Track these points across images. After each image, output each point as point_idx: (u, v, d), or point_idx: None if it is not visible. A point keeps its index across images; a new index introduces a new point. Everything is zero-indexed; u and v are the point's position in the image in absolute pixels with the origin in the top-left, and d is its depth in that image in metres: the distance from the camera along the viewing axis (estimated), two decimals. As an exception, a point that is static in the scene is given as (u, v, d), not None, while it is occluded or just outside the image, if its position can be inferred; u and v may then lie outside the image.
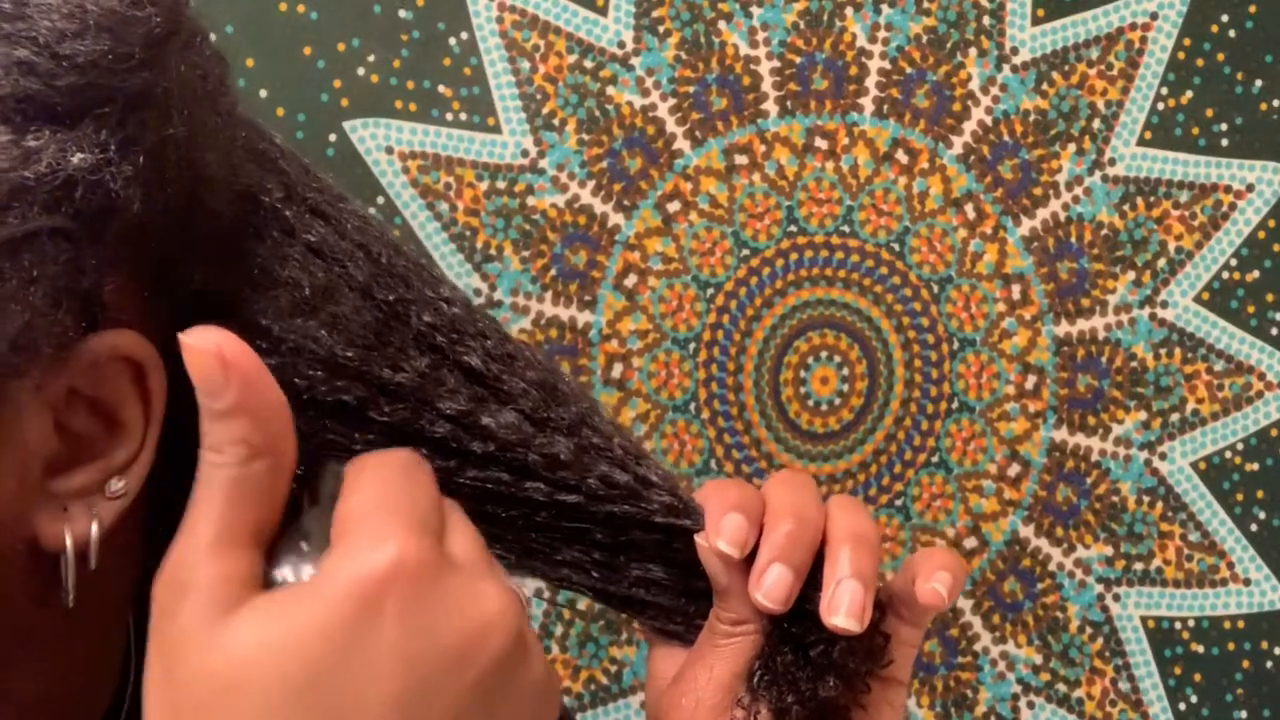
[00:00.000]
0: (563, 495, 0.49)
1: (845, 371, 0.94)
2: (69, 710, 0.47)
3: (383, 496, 0.38)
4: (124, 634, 0.50)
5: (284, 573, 0.38)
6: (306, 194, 0.49)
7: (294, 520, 0.39)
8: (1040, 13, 0.93)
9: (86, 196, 0.40)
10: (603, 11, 0.89)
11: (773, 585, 0.48)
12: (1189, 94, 0.95)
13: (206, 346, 0.37)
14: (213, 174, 0.44)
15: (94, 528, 0.42)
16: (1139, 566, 0.96)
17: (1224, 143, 0.95)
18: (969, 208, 0.94)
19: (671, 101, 0.91)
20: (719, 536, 0.48)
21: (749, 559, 0.49)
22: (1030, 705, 0.96)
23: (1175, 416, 0.96)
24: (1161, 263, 0.95)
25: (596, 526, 0.50)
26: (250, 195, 0.47)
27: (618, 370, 0.91)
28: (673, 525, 0.50)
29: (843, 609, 0.47)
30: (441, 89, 0.88)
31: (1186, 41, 0.94)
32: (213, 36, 0.47)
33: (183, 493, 0.46)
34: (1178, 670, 0.97)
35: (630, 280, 0.91)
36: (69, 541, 0.41)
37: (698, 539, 0.49)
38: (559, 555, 0.50)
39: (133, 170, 0.41)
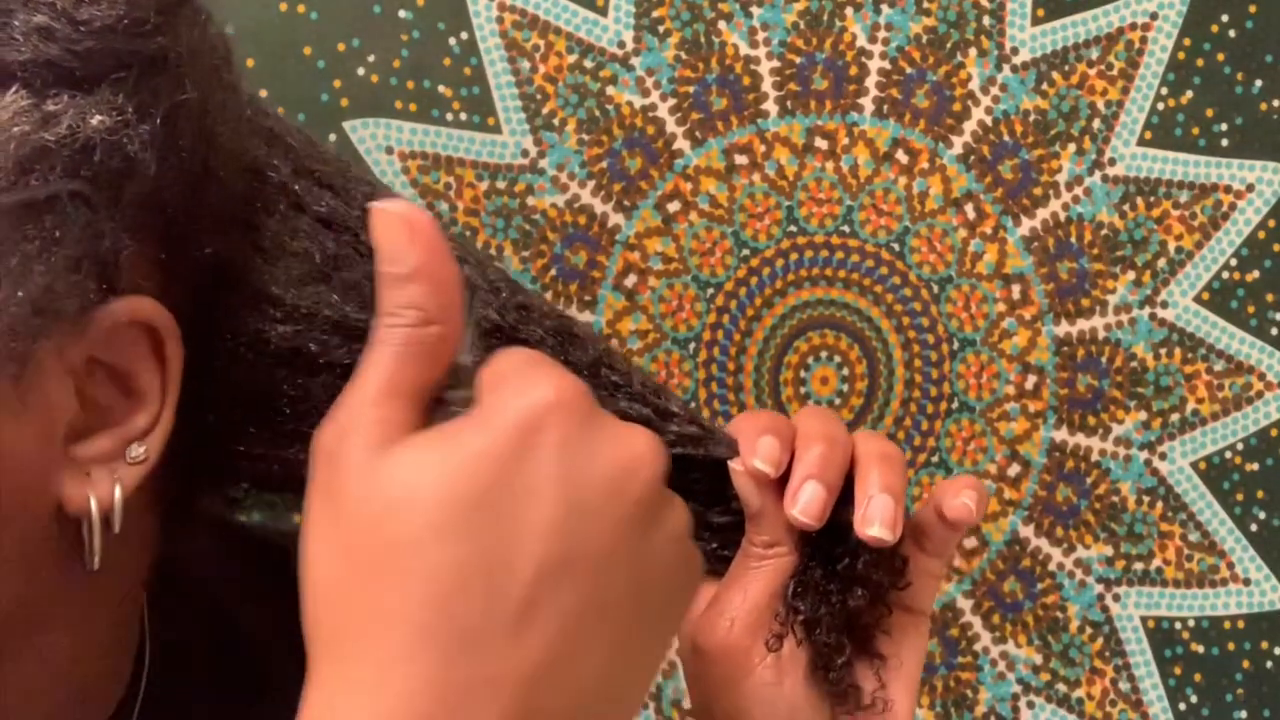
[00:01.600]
0: None
1: (845, 371, 0.94)
2: (90, 681, 0.48)
3: (528, 356, 0.39)
4: (139, 615, 0.50)
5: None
6: (314, 167, 0.50)
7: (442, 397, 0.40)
8: (1040, 13, 0.93)
9: (104, 160, 0.40)
10: (603, 11, 0.89)
11: (808, 501, 0.49)
12: (1189, 94, 0.95)
13: (395, 210, 0.39)
14: (223, 144, 0.45)
15: (117, 491, 0.42)
16: (1139, 566, 0.96)
17: (1224, 143, 0.95)
18: (969, 208, 0.94)
19: (671, 101, 0.91)
20: (754, 456, 0.50)
21: (781, 484, 0.50)
22: (1030, 705, 0.96)
23: (1175, 416, 0.96)
24: (1161, 263, 0.95)
25: None
26: (258, 170, 0.48)
27: (618, 370, 0.91)
28: (691, 455, 0.51)
29: (877, 520, 0.49)
30: (441, 89, 0.88)
31: (1186, 41, 0.94)
32: (214, 33, 0.47)
33: (198, 463, 0.47)
34: (1178, 670, 0.97)
35: (630, 280, 0.91)
36: (93, 505, 0.42)
37: (731, 463, 0.51)
38: None
39: (149, 133, 0.41)
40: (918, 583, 0.53)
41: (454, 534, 0.35)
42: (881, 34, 0.92)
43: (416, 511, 0.35)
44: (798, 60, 0.92)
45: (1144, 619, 0.97)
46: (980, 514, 0.51)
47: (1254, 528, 0.97)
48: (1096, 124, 0.94)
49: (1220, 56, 0.95)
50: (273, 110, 0.51)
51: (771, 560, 0.51)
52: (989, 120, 0.93)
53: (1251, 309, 0.96)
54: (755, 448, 0.50)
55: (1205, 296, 0.95)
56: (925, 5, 0.92)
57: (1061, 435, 0.95)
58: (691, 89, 0.91)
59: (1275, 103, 0.95)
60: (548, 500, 0.36)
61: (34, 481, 0.41)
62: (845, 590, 0.51)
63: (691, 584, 0.41)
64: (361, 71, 0.87)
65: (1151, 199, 0.95)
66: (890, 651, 0.53)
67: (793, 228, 0.92)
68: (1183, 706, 0.97)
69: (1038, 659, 0.96)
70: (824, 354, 0.93)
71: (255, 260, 0.47)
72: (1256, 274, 0.96)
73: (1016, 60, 0.93)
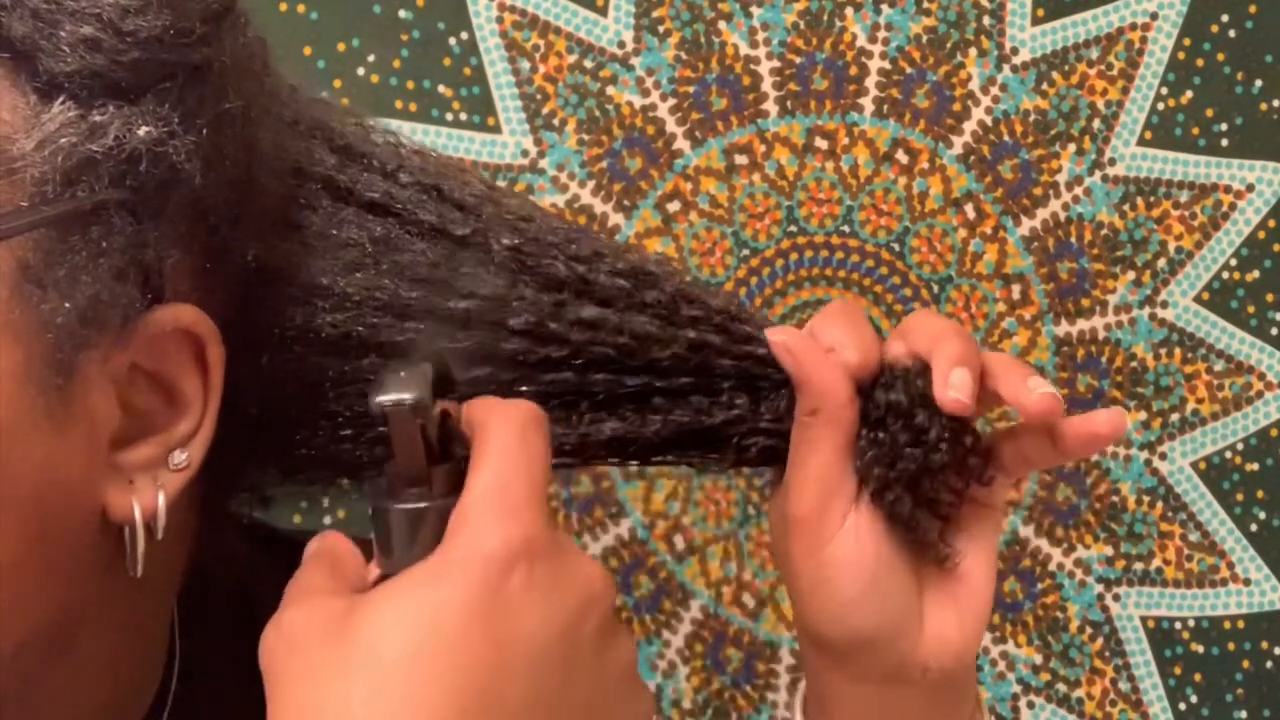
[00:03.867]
0: (656, 378, 0.51)
1: (845, 371, 0.94)
2: (125, 686, 0.48)
3: (502, 480, 0.40)
4: (170, 619, 0.51)
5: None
6: (364, 150, 0.50)
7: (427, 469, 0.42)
8: (1040, 13, 0.93)
9: (150, 170, 0.41)
10: (603, 11, 0.89)
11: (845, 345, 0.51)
12: (1189, 94, 0.95)
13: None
14: (264, 149, 0.45)
15: (160, 499, 0.43)
16: (1139, 566, 0.96)
17: (1224, 143, 0.95)
18: (969, 208, 0.94)
19: (671, 101, 0.91)
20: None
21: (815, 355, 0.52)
22: (1030, 705, 0.96)
23: (1175, 416, 0.96)
24: (1161, 263, 0.95)
25: (694, 380, 0.52)
26: (298, 170, 0.48)
27: (618, 370, 0.91)
28: (754, 369, 0.52)
29: (954, 386, 0.50)
30: (441, 89, 0.88)
31: (1186, 41, 0.94)
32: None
33: (234, 466, 0.47)
34: (1178, 670, 0.97)
35: (630, 280, 0.91)
36: (138, 512, 0.42)
37: (769, 334, 0.52)
38: (649, 424, 0.52)
39: (194, 143, 0.42)
40: (990, 486, 0.54)
41: (441, 687, 0.37)
42: (881, 34, 0.92)
43: (378, 670, 0.37)
44: (798, 60, 0.92)
45: (1144, 619, 0.97)
46: (1050, 399, 0.50)
47: (1254, 528, 0.97)
48: (1096, 124, 0.94)
49: (1220, 56, 0.95)
50: (320, 100, 0.51)
51: (818, 429, 0.51)
52: (989, 120, 0.93)
53: (1251, 309, 0.96)
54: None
55: (1205, 296, 0.95)
56: (925, 5, 0.92)
57: (1061, 435, 0.95)
58: (691, 89, 0.91)
59: (1275, 103, 0.95)
60: (523, 644, 0.38)
61: (79, 490, 0.41)
62: (911, 456, 0.51)
63: (642, 699, 0.43)
64: (361, 71, 0.87)
65: (1151, 199, 0.95)
66: (963, 535, 0.54)
67: (793, 228, 0.92)
68: (1183, 706, 0.97)
69: (1038, 659, 0.96)
70: (824, 354, 0.93)
71: (301, 257, 0.47)
72: (1256, 274, 0.96)
73: (1016, 60, 0.93)
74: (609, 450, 0.52)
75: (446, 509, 0.41)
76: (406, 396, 0.40)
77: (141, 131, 0.40)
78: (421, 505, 0.41)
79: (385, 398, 0.40)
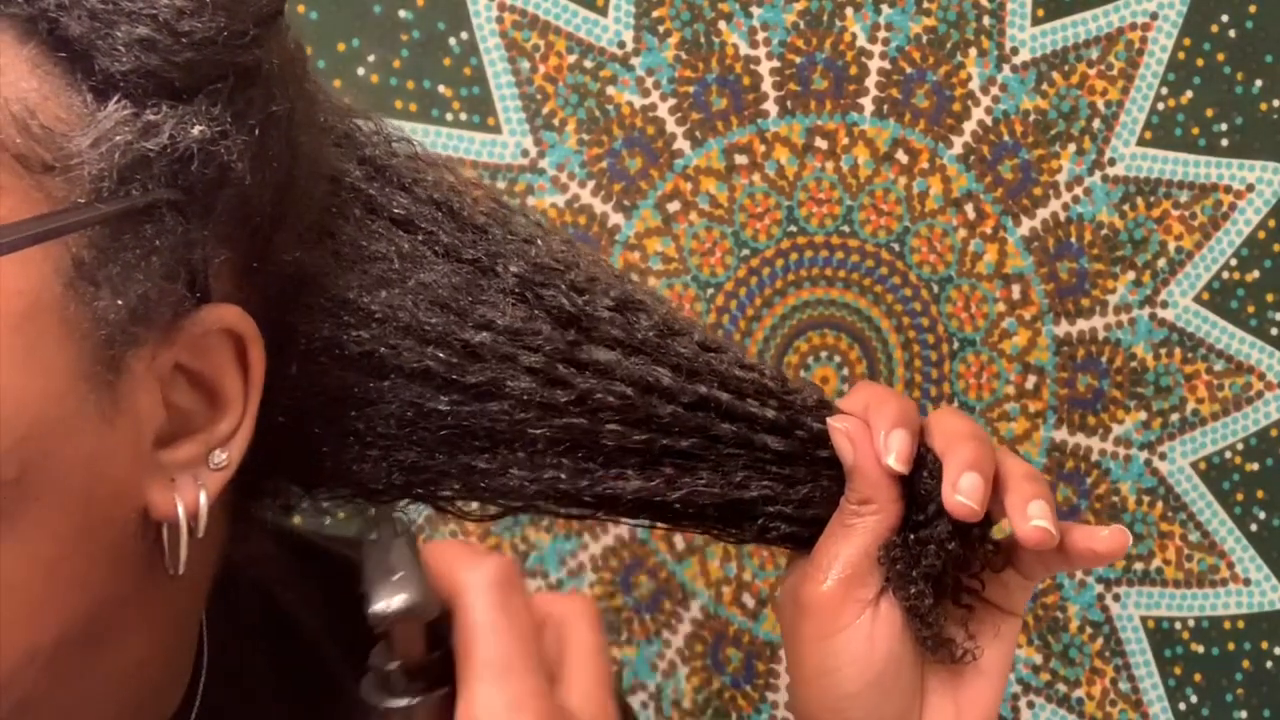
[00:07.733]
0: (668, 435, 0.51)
1: (845, 371, 0.94)
2: (154, 685, 0.49)
3: (500, 666, 0.40)
4: (199, 619, 0.51)
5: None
6: (387, 164, 0.51)
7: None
8: (1040, 13, 0.93)
9: (202, 169, 0.41)
10: (603, 11, 0.89)
11: (898, 447, 0.52)
12: (1189, 94, 0.95)
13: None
14: (305, 153, 0.46)
15: (202, 497, 0.43)
16: (1139, 566, 0.96)
17: (1224, 143, 0.95)
18: (969, 208, 0.94)
19: (671, 101, 0.91)
20: (888, 454, 0.52)
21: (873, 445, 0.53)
22: (1030, 705, 0.96)
23: (1175, 416, 0.96)
24: (1161, 263, 0.95)
25: (710, 442, 0.52)
26: (333, 178, 0.48)
27: (618, 370, 0.91)
28: (776, 421, 0.52)
29: (964, 492, 0.51)
30: (441, 89, 0.88)
31: (1186, 41, 0.94)
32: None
33: (267, 468, 0.47)
34: (1178, 670, 0.97)
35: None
36: (181, 511, 0.43)
37: (830, 422, 0.53)
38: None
39: (244, 144, 0.42)
40: (1012, 593, 0.55)
41: None
42: (881, 34, 0.92)
43: None
44: (798, 60, 0.92)
45: (1144, 619, 0.97)
46: (1053, 531, 0.52)
47: (1254, 528, 0.97)
48: (1096, 124, 0.94)
49: (1220, 56, 0.95)
50: (346, 106, 0.52)
51: (865, 519, 0.52)
52: (989, 120, 0.93)
53: (1251, 309, 0.96)
54: (889, 445, 0.52)
55: (1205, 296, 0.95)
56: (925, 5, 0.92)
57: (1061, 435, 0.95)
58: (691, 89, 0.91)
59: (1275, 103, 0.95)
60: None
61: (123, 487, 0.41)
62: (937, 553, 0.52)
63: None
64: (361, 71, 0.87)
65: (1151, 199, 0.95)
66: (981, 638, 0.55)
67: (793, 228, 0.92)
68: (1183, 706, 0.97)
69: (1038, 659, 0.96)
70: (824, 354, 0.93)
71: (332, 266, 0.48)
72: (1256, 274, 0.96)
73: (1016, 60, 0.93)
74: (628, 509, 0.52)
75: (449, 697, 0.40)
76: (409, 603, 0.39)
77: (195, 131, 0.41)
78: (419, 700, 0.40)
79: (389, 608, 0.38)
